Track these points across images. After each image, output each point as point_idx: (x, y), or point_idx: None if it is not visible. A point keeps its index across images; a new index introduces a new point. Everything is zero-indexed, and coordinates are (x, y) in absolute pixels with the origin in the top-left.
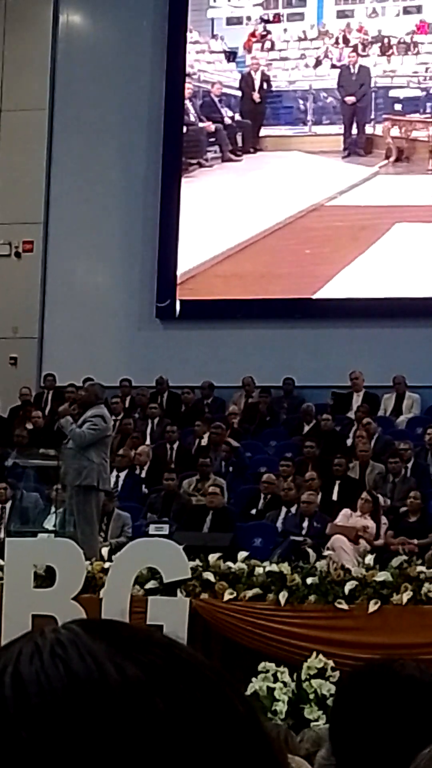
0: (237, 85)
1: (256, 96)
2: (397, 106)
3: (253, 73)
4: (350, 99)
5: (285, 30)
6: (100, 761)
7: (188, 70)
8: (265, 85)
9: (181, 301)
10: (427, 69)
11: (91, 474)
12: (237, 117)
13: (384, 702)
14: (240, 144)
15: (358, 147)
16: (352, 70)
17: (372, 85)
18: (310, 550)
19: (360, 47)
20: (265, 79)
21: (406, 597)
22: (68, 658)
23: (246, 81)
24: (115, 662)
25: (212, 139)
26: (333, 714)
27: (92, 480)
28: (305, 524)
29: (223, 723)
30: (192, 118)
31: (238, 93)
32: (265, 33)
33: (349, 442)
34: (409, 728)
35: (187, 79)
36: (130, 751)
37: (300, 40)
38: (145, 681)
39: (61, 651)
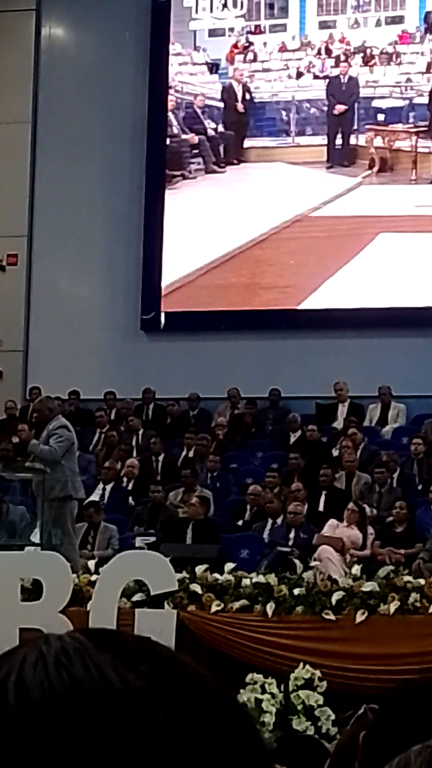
0: (220, 96)
1: (239, 107)
2: (380, 117)
3: (235, 84)
4: (340, 108)
5: (265, 43)
6: None
7: (171, 82)
8: (247, 97)
9: (165, 312)
10: (409, 79)
11: (66, 485)
12: (220, 128)
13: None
14: (223, 155)
15: (341, 158)
16: (342, 80)
17: None
18: (296, 561)
19: (342, 58)
20: (248, 90)
21: (393, 607)
22: (72, 666)
23: (229, 92)
24: (118, 672)
25: (195, 151)
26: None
27: (67, 491)
28: (292, 535)
29: (224, 736)
30: (175, 130)
31: (221, 104)
32: (247, 44)
33: (335, 452)
34: None
35: (170, 91)
36: (131, 760)
37: (282, 51)
38: (147, 692)
39: (65, 659)
